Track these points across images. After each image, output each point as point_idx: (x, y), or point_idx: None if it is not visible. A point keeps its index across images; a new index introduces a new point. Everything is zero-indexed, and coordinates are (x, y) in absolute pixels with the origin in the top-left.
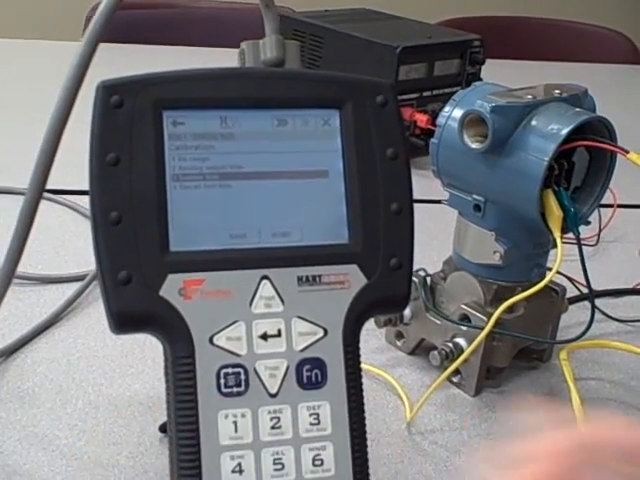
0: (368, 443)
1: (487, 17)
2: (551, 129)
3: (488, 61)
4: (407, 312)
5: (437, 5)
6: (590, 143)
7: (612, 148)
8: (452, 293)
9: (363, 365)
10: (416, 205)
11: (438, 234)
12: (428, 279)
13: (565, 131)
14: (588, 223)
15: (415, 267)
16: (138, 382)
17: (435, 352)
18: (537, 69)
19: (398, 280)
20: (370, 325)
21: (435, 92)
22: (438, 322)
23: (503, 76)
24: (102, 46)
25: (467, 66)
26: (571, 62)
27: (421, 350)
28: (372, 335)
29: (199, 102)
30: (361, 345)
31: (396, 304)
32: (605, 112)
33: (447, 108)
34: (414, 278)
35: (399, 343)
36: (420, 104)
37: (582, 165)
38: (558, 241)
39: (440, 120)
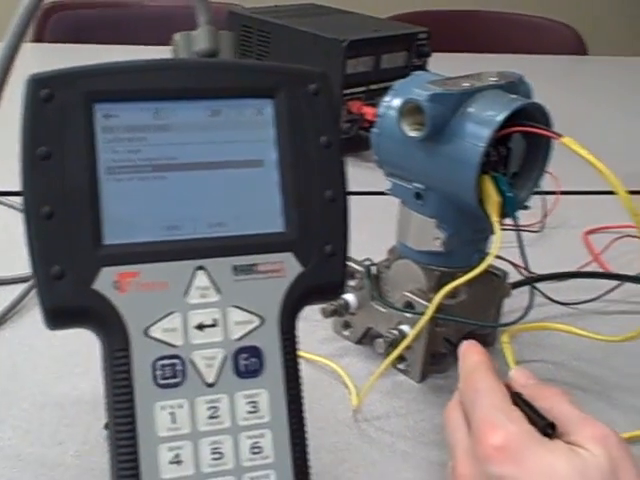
0: (315, 432)
1: (437, 11)
2: (487, 115)
3: (436, 54)
4: (353, 301)
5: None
6: (524, 129)
7: (546, 133)
8: (396, 281)
9: (311, 356)
10: (364, 197)
11: (387, 224)
12: (373, 268)
13: (500, 117)
14: (526, 208)
15: (363, 257)
16: (85, 381)
17: (380, 340)
18: (485, 61)
19: (333, 267)
20: (318, 316)
21: (383, 85)
22: (383, 310)
23: (451, 69)
24: (48, 47)
25: (414, 59)
26: (520, 54)
27: (368, 339)
28: (320, 326)
29: (131, 94)
30: (309, 336)
31: (331, 291)
32: (553, 101)
33: (387, 98)
34: (359, 268)
35: (346, 333)
36: (368, 97)
37: (519, 151)
38: (496, 226)
39: (380, 110)
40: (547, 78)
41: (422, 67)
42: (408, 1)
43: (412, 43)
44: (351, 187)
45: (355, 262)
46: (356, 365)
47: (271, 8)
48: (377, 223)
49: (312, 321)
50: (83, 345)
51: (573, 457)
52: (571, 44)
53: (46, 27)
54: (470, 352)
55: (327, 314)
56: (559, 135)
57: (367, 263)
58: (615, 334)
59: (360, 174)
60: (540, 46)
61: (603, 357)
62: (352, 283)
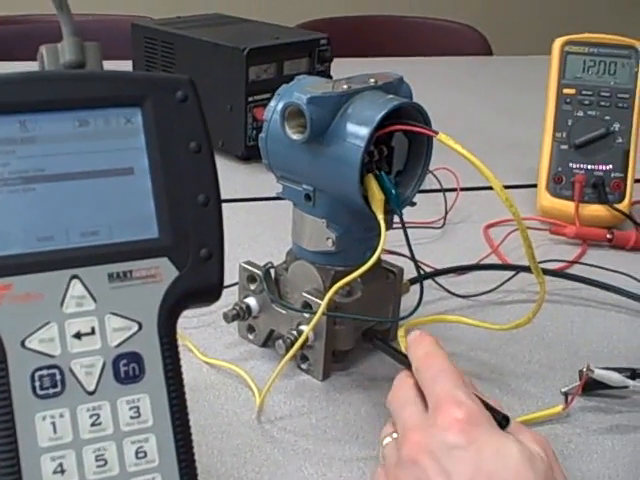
0: (218, 436)
1: (344, 17)
2: (365, 116)
3: (340, 59)
4: (254, 305)
5: (296, 8)
6: (401, 127)
7: (422, 130)
8: (294, 282)
9: (215, 361)
10: (266, 202)
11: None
12: (272, 271)
13: (378, 117)
14: (413, 204)
15: (265, 261)
16: None
17: (280, 341)
18: (390, 65)
19: (209, 270)
20: (223, 322)
21: None
22: (284, 312)
23: (355, 73)
24: None
25: (316, 64)
26: (426, 57)
27: (273, 341)
28: (225, 331)
29: None
30: (215, 341)
31: (209, 293)
32: (460, 101)
33: (272, 102)
34: (258, 271)
35: (251, 336)
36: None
37: (402, 150)
38: (381, 223)
39: (266, 115)
40: (452, 79)
41: (325, 72)
42: (315, 9)
43: (314, 49)
44: (259, 193)
45: (254, 266)
46: (261, 368)
47: (174, 19)
48: (282, 227)
49: (218, 326)
50: None
51: (523, 447)
52: (477, 45)
53: None
54: (422, 337)
55: (229, 319)
56: (435, 132)
57: (265, 267)
58: (511, 323)
59: (268, 180)
60: (445, 48)
61: (499, 346)
62: (252, 287)
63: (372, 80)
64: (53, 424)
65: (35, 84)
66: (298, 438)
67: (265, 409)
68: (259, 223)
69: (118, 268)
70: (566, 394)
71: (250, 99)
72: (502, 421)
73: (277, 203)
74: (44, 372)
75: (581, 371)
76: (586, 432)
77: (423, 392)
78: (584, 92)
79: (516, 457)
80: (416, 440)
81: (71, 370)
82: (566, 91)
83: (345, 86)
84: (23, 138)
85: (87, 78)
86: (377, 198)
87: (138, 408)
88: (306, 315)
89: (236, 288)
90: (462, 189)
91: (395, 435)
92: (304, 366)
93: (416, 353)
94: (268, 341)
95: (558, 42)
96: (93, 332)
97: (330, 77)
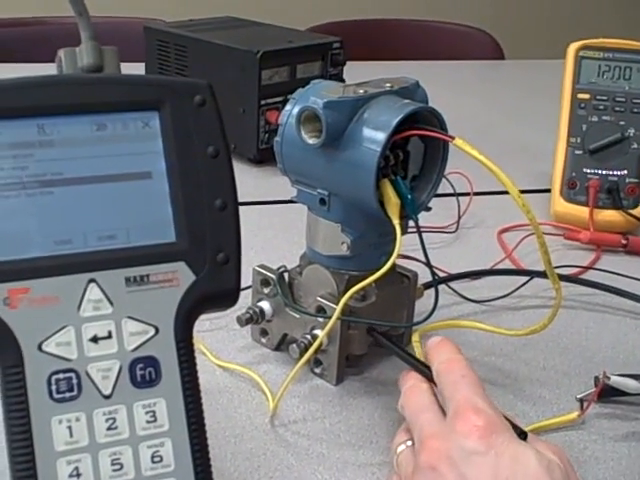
0: (232, 440)
1: (358, 20)
2: (381, 120)
3: (352, 63)
4: (268, 309)
5: (308, 11)
6: (418, 132)
7: (439, 135)
8: (308, 286)
9: (229, 364)
10: (278, 206)
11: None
12: (286, 275)
13: (394, 121)
14: (429, 209)
15: (279, 264)
16: None
17: (294, 345)
18: (401, 68)
19: (226, 275)
20: (237, 325)
21: None
22: (297, 316)
23: (368, 77)
24: None
25: (329, 68)
26: (437, 60)
27: (286, 345)
28: (239, 335)
29: (14, 111)
30: (229, 345)
31: (226, 298)
32: (471, 105)
33: (288, 106)
34: (272, 275)
35: (264, 340)
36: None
37: (418, 154)
38: (397, 228)
39: (282, 119)
40: (464, 82)
41: (338, 76)
42: (328, 12)
43: (327, 52)
44: (272, 196)
45: (268, 269)
46: (274, 372)
47: (186, 22)
48: (296, 231)
49: (231, 330)
50: None
51: (540, 454)
52: (488, 49)
53: None
54: (443, 343)
55: (242, 323)
56: (452, 137)
57: (279, 270)
58: (526, 328)
59: (280, 183)
60: (457, 52)
61: (513, 351)
62: (266, 290)
63: (388, 84)
64: (69, 428)
65: (53, 88)
66: (312, 442)
67: (278, 413)
68: (271, 226)
69: (135, 272)
70: (581, 400)
71: (263, 102)
72: (520, 435)
73: (290, 206)
74: (61, 376)
75: (597, 377)
76: (602, 439)
77: (440, 397)
78: (599, 97)
79: (534, 464)
80: (435, 447)
81: (87, 374)
82: (581, 96)
83: (361, 90)
84: (41, 142)
85: (105, 82)
86: (393, 203)
87: (154, 412)
88: (320, 319)
89: (249, 291)
90: (475, 193)
91: (410, 443)
92: (317, 370)
93: (438, 357)
94: (281, 345)
95: (573, 47)
96: (110, 336)
97: (343, 81)
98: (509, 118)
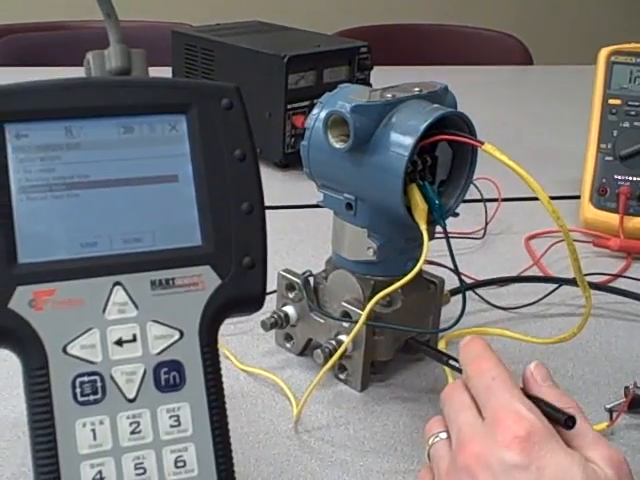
0: (255, 445)
1: (384, 25)
2: (409, 125)
3: (379, 67)
4: (292, 313)
5: (334, 16)
6: (447, 137)
7: (468, 140)
8: (333, 291)
9: (253, 369)
10: (304, 210)
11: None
12: (311, 279)
13: (423, 126)
14: (456, 215)
15: (304, 269)
16: (23, 403)
17: (319, 350)
18: (428, 73)
19: (252, 279)
20: (260, 330)
21: None
22: (322, 321)
23: (395, 81)
24: None
25: (356, 72)
26: (465, 65)
27: (310, 350)
28: (262, 339)
29: (42, 114)
30: (252, 349)
31: (251, 302)
32: (499, 111)
33: (315, 111)
34: (297, 280)
35: (288, 345)
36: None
37: (446, 159)
38: (424, 233)
39: (309, 123)
40: (492, 88)
41: (365, 80)
42: (356, 17)
43: (354, 57)
44: (297, 201)
45: (293, 274)
46: (298, 377)
47: (213, 27)
48: (320, 235)
49: (255, 334)
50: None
51: (588, 469)
52: (516, 54)
53: None
54: (472, 341)
55: (267, 327)
56: (481, 142)
57: (304, 275)
58: (554, 336)
59: (306, 188)
60: (485, 57)
61: (541, 359)
62: (291, 295)
63: (416, 89)
64: (93, 431)
65: (81, 90)
66: (336, 449)
67: (302, 419)
68: (297, 230)
69: (161, 275)
70: (611, 411)
71: (289, 106)
72: (567, 422)
73: (315, 210)
74: (85, 378)
75: (627, 387)
76: (632, 450)
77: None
78: (630, 103)
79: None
80: (474, 451)
81: (112, 377)
82: (612, 102)
83: (389, 95)
84: (68, 144)
85: (133, 85)
86: (420, 208)
87: (178, 417)
88: (345, 325)
89: (274, 296)
90: (503, 199)
91: (443, 435)
92: (342, 376)
93: (466, 358)
94: (305, 350)
95: (604, 52)
96: (134, 339)
97: (370, 85)
98: (537, 123)
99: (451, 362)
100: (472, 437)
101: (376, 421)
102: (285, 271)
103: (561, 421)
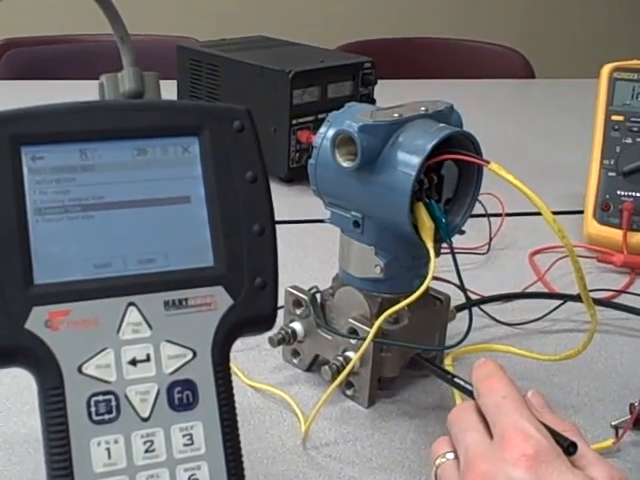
0: (264, 461)
1: (387, 39)
2: (416, 144)
3: (383, 82)
4: (300, 330)
5: (339, 30)
6: (453, 156)
7: (473, 160)
8: (340, 308)
9: (260, 385)
10: (309, 225)
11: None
12: (318, 296)
13: (429, 145)
14: (462, 232)
15: (310, 284)
16: (33, 419)
17: (326, 367)
18: (431, 87)
19: (263, 299)
20: (268, 345)
21: None
22: (329, 337)
23: (399, 95)
24: (2, 84)
25: (360, 87)
26: (468, 79)
27: (317, 366)
28: (270, 355)
29: (57, 136)
30: (260, 365)
31: (263, 322)
32: (501, 125)
33: (322, 129)
34: (304, 296)
35: (295, 361)
36: (316, 127)
37: (452, 178)
38: (431, 251)
39: (316, 141)
40: (494, 101)
41: (369, 95)
42: (359, 30)
43: (358, 72)
44: (302, 216)
45: (300, 290)
46: (305, 393)
47: (218, 42)
48: (326, 251)
49: (263, 350)
50: (32, 382)
51: None
52: (518, 68)
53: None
54: (485, 363)
55: (274, 343)
56: (487, 162)
57: (311, 291)
58: (559, 353)
59: (311, 203)
60: (487, 71)
61: (546, 376)
62: (298, 311)
63: (423, 108)
64: (108, 450)
65: (95, 113)
66: (344, 466)
67: (310, 435)
68: (302, 245)
69: (174, 296)
70: (616, 428)
71: (294, 122)
72: (569, 448)
73: (320, 226)
74: (100, 398)
75: (632, 404)
76: (638, 468)
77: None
78: (633, 119)
79: None
80: (482, 470)
81: (126, 396)
82: (614, 118)
83: (396, 114)
84: (83, 166)
85: (146, 108)
86: (427, 226)
87: (191, 435)
88: (352, 341)
89: (281, 312)
90: (507, 214)
91: (450, 455)
92: (349, 392)
93: (478, 376)
94: (312, 366)
95: (606, 68)
96: (148, 359)
97: (374, 100)
98: (539, 137)
99: (456, 380)
100: (480, 455)
101: (383, 437)
102: (292, 287)
103: (563, 447)
